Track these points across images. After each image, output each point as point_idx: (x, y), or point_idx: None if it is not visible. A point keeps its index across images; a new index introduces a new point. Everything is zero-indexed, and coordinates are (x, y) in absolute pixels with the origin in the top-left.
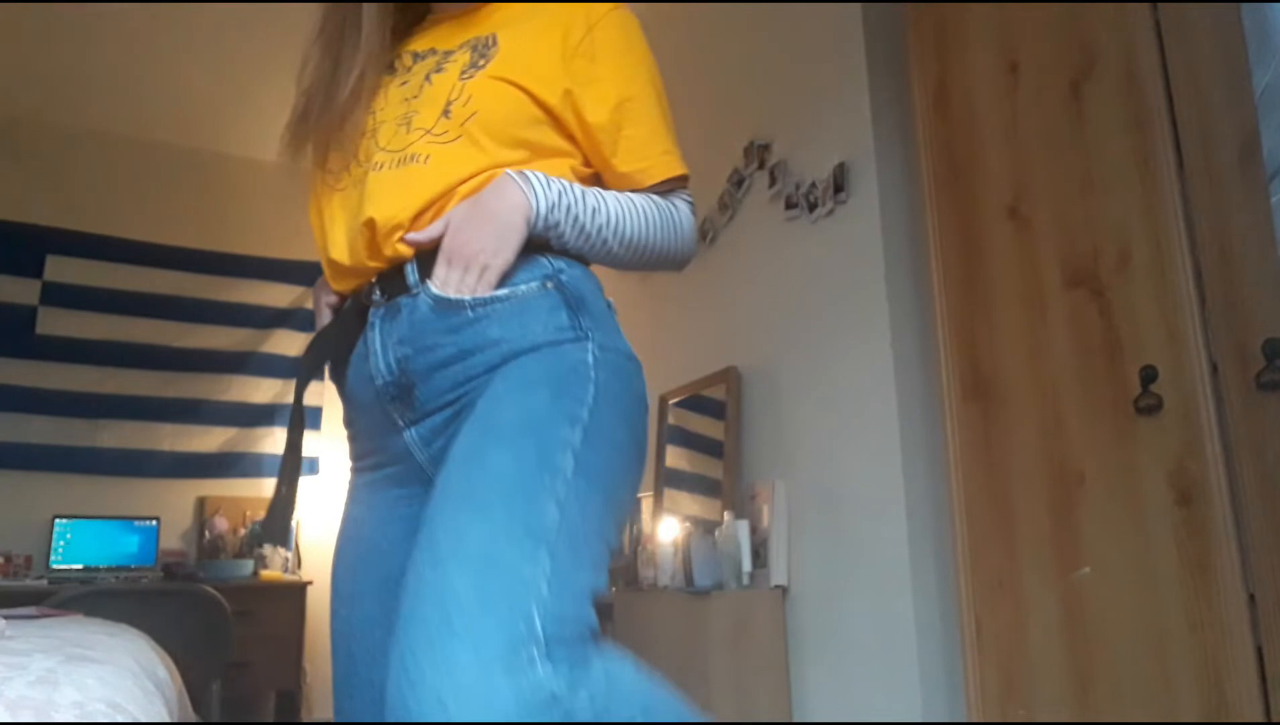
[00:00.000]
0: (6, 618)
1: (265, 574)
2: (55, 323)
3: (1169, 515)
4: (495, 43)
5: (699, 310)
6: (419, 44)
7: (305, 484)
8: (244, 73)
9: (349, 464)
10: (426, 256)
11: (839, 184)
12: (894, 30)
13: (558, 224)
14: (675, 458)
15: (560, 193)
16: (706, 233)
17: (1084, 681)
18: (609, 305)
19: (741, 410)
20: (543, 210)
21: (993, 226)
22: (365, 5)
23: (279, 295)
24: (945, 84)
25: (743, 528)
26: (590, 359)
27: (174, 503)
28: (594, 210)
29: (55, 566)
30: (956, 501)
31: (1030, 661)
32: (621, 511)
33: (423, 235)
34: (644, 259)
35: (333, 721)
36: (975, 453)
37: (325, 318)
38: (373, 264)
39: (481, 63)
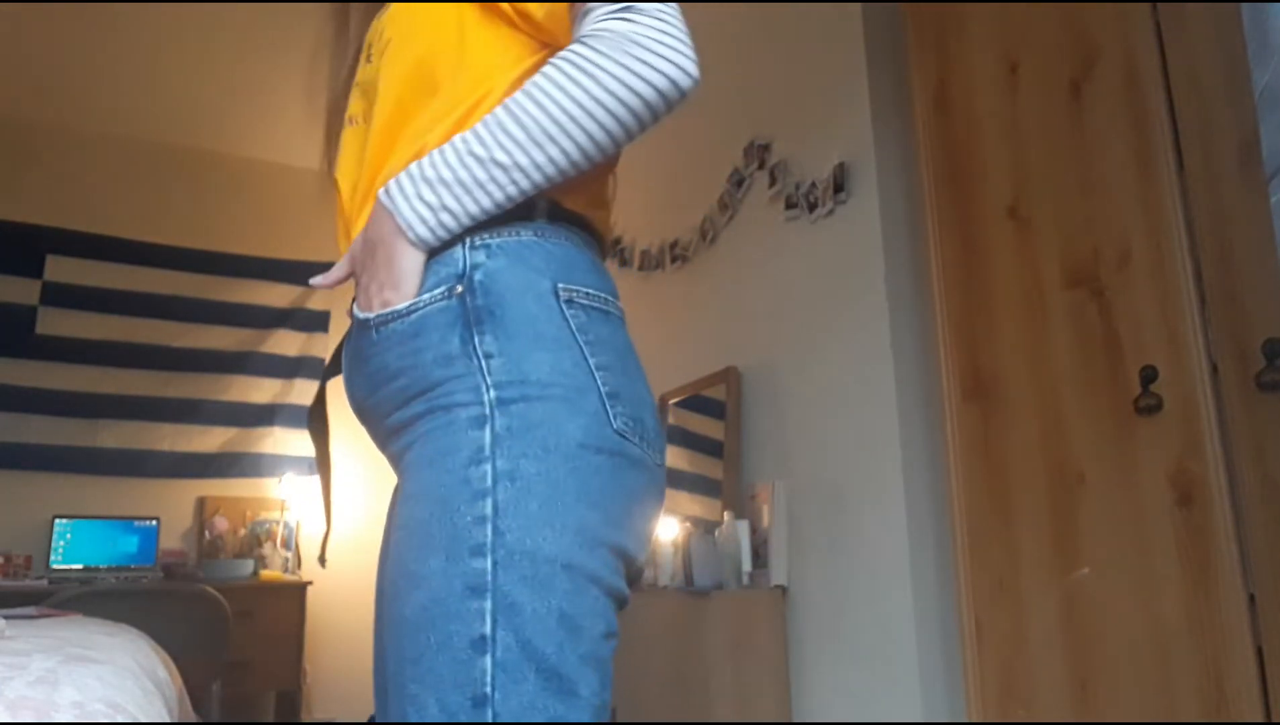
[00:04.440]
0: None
1: (265, 574)
2: (55, 323)
3: (1169, 515)
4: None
5: (699, 310)
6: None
7: (304, 484)
8: (244, 73)
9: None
10: None
11: (839, 184)
12: (894, 30)
13: (456, 214)
14: (675, 458)
15: (434, 184)
16: (706, 233)
17: (1084, 681)
18: (555, 291)
19: (741, 410)
20: (421, 233)
21: (993, 226)
22: (352, 5)
23: (279, 295)
24: (945, 84)
25: (743, 528)
26: (487, 438)
27: (174, 503)
28: (497, 143)
29: (55, 566)
30: (956, 501)
31: (1030, 661)
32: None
33: (327, 278)
34: (615, 124)
35: (333, 721)
36: (975, 453)
37: None
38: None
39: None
